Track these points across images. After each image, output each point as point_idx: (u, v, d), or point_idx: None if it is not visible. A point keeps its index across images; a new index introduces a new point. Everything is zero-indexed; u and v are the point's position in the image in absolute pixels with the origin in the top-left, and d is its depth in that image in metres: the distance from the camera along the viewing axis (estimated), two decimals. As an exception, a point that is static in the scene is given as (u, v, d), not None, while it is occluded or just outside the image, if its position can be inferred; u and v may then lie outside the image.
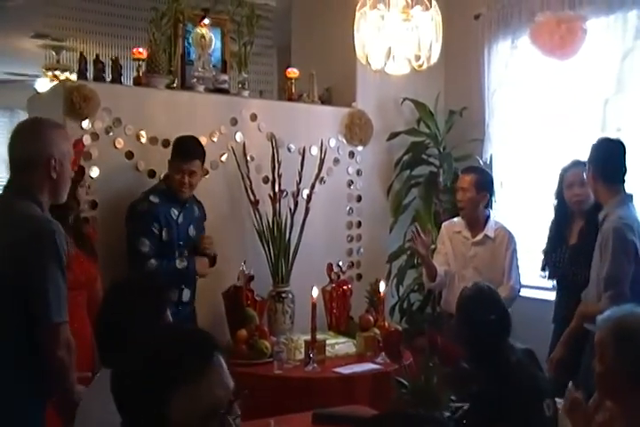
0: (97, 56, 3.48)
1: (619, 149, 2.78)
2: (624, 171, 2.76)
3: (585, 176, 2.89)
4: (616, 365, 1.78)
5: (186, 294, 3.20)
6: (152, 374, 1.14)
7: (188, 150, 3.19)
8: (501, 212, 3.75)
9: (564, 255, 3.03)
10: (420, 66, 2.91)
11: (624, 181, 2.76)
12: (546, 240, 3.17)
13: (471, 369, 2.16)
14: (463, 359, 2.16)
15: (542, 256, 3.16)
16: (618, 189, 2.75)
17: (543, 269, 3.15)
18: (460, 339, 2.22)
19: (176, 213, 3.20)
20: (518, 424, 1.97)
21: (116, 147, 3.35)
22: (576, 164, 3.07)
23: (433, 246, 3.35)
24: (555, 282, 3.16)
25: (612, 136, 3.34)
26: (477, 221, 3.32)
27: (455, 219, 3.47)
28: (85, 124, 3.25)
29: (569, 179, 3.04)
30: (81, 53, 3.55)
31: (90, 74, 3.43)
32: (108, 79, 3.44)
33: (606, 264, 2.64)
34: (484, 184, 3.28)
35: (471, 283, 3.09)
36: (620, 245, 2.61)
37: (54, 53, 5.80)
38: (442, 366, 1.91)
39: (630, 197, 2.78)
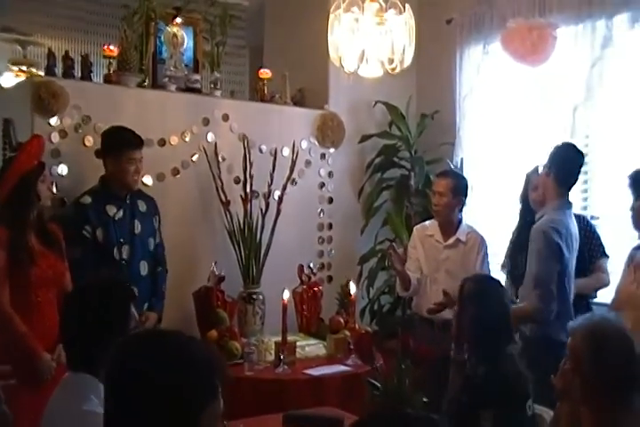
0: (66, 52, 3.41)
1: (580, 158, 2.87)
2: (575, 180, 2.87)
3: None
4: (590, 371, 1.79)
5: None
6: (189, 392, 1.14)
7: (133, 138, 3.11)
8: (471, 215, 3.78)
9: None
10: (394, 69, 2.92)
11: (570, 189, 2.87)
12: (510, 242, 3.22)
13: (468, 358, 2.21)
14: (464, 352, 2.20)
15: (507, 257, 3.21)
16: (563, 194, 2.84)
17: (506, 270, 3.21)
18: (465, 329, 2.25)
19: (114, 209, 3.09)
20: (500, 415, 1.99)
21: (85, 144, 3.29)
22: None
23: (400, 250, 3.36)
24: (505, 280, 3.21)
25: (581, 144, 3.42)
26: (451, 224, 3.33)
27: (427, 222, 3.48)
28: (54, 120, 3.20)
29: (534, 182, 3.09)
30: (49, 49, 3.49)
31: (59, 70, 3.37)
32: (78, 76, 3.38)
33: (533, 265, 2.77)
34: (460, 189, 3.29)
35: (442, 286, 3.16)
36: (546, 246, 2.72)
37: (20, 48, 5.68)
38: (414, 367, 1.92)
39: (570, 204, 2.90)
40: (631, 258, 2.68)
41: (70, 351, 1.82)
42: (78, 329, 1.76)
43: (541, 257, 2.74)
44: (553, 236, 2.72)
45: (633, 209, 2.63)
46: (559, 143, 2.93)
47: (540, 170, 3.05)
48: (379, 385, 1.84)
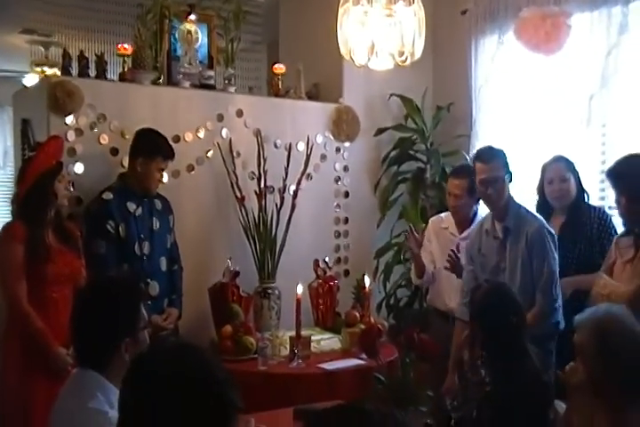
0: (81, 52, 3.46)
1: None
2: None
3: (563, 172, 2.91)
4: (599, 368, 1.77)
5: (153, 288, 3.13)
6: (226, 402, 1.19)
7: (170, 149, 3.19)
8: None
9: None
10: (404, 61, 2.89)
11: None
12: None
13: (485, 369, 2.16)
14: (474, 358, 2.16)
15: None
16: None
17: None
18: (478, 341, 2.21)
19: (134, 206, 3.14)
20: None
21: (100, 143, 3.34)
22: (557, 159, 3.06)
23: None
24: None
25: (598, 133, 3.36)
26: (466, 219, 3.30)
27: (442, 214, 3.46)
28: (69, 119, 3.24)
29: (549, 175, 3.04)
30: (64, 49, 3.53)
31: (74, 69, 3.42)
32: (93, 75, 3.42)
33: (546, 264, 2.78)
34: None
35: (456, 280, 3.14)
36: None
37: (42, 49, 5.77)
38: (420, 362, 1.90)
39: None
40: (616, 244, 2.65)
41: (79, 348, 1.84)
42: (87, 327, 1.78)
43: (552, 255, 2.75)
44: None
45: (618, 203, 2.57)
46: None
47: (556, 164, 3.01)
48: (383, 379, 1.83)
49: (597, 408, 1.86)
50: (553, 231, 2.85)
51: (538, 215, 2.92)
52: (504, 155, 2.94)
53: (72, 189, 3.04)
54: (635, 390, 1.78)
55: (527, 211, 2.95)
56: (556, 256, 2.79)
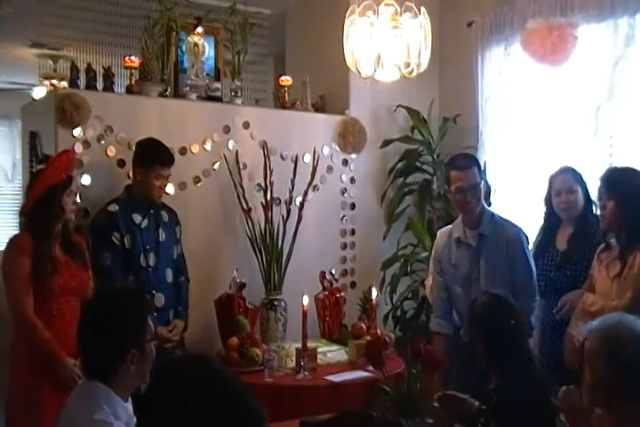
0: (89, 64, 3.49)
1: None
2: None
3: (571, 183, 2.92)
4: (606, 375, 1.77)
5: (159, 299, 3.12)
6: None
7: (167, 156, 3.18)
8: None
9: (554, 260, 3.01)
10: (410, 73, 2.91)
11: None
12: (533, 245, 3.16)
13: (490, 379, 2.15)
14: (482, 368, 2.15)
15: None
16: None
17: None
18: (479, 349, 2.19)
19: (139, 218, 3.15)
20: None
21: (107, 155, 3.35)
22: (564, 170, 3.05)
23: (423, 255, 3.31)
24: None
25: (605, 144, 3.35)
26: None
27: (450, 226, 3.43)
28: (77, 132, 3.26)
29: (557, 186, 3.03)
30: (72, 62, 3.56)
31: (82, 82, 3.44)
32: (100, 87, 3.44)
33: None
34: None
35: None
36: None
37: (51, 62, 5.82)
38: (425, 373, 1.89)
39: None
40: (599, 259, 2.69)
41: (85, 360, 1.84)
42: (94, 338, 1.78)
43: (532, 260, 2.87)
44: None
45: (603, 208, 2.57)
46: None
47: (563, 175, 3.01)
48: (388, 390, 1.82)
49: (603, 414, 1.85)
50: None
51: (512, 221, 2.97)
52: (478, 161, 3.00)
53: (79, 201, 3.05)
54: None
55: (501, 217, 2.99)
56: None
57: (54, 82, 5.92)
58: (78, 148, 3.26)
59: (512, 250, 2.83)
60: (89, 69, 3.44)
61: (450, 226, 3.42)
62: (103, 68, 3.50)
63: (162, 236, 3.21)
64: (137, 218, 3.15)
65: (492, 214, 2.97)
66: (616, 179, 2.58)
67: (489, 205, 3.25)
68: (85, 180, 3.26)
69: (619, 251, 2.57)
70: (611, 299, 2.52)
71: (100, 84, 3.45)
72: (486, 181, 2.92)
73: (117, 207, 3.11)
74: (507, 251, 2.83)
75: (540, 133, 3.70)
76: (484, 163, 3.95)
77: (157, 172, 3.12)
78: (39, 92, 5.96)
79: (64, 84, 5.65)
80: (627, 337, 1.78)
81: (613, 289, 2.52)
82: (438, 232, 3.47)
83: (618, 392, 1.76)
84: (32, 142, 3.48)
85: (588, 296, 2.59)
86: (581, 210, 2.99)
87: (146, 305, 1.92)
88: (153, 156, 3.16)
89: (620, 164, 3.33)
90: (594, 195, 3.09)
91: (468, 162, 2.94)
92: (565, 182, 3.00)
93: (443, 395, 2.06)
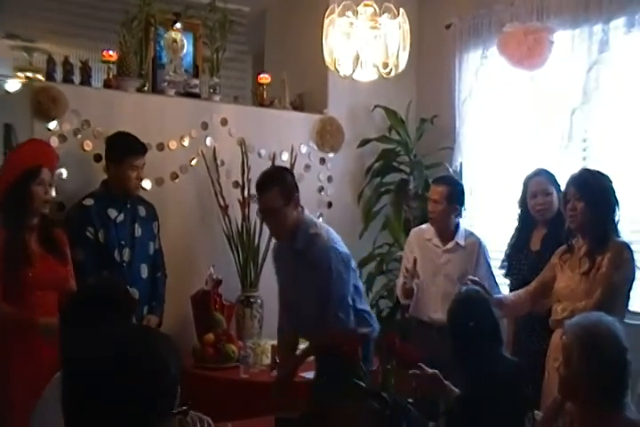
0: (66, 58, 3.45)
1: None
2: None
3: (546, 185, 2.97)
4: (580, 370, 1.81)
5: (133, 295, 3.11)
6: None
7: (137, 145, 3.16)
8: (471, 219, 3.78)
9: (527, 260, 3.06)
10: (388, 73, 2.93)
11: None
12: (508, 245, 3.21)
13: (458, 372, 2.18)
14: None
15: (506, 260, 3.20)
16: None
17: (507, 274, 3.19)
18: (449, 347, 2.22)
19: (115, 212, 3.13)
20: None
21: (84, 149, 3.33)
22: (538, 173, 3.10)
23: (399, 254, 3.35)
24: (508, 283, 3.20)
25: (578, 148, 3.42)
26: (447, 230, 3.31)
27: (424, 226, 3.46)
28: (53, 125, 3.23)
29: (532, 188, 3.07)
30: (49, 55, 3.52)
31: (58, 75, 3.41)
32: (77, 81, 3.41)
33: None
34: (455, 196, 3.27)
35: (441, 290, 3.16)
36: None
37: (26, 55, 5.74)
38: (399, 369, 1.91)
39: None
40: (560, 258, 2.72)
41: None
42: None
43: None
44: None
45: (574, 209, 2.61)
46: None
47: (538, 177, 3.06)
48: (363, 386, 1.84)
49: (575, 410, 1.89)
50: None
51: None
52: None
53: (54, 195, 3.01)
54: (613, 392, 1.81)
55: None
56: None
57: (29, 74, 5.83)
58: (54, 141, 3.23)
59: None
60: (66, 63, 3.41)
61: (423, 226, 3.46)
62: (80, 61, 3.47)
63: (138, 231, 3.19)
64: (112, 213, 3.13)
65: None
66: (587, 180, 2.62)
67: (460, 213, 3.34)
68: (61, 174, 3.23)
69: (587, 250, 2.60)
70: (578, 299, 2.56)
71: (77, 78, 3.42)
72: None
73: (92, 201, 3.09)
74: None
75: (516, 136, 3.75)
76: (460, 164, 4.02)
77: (131, 162, 3.11)
78: (13, 85, 5.87)
79: (39, 76, 5.59)
80: (605, 334, 1.83)
81: (581, 286, 2.56)
82: (412, 231, 3.50)
83: (590, 386, 1.80)
84: (7, 135, 3.44)
85: (557, 305, 2.63)
86: (555, 212, 3.04)
87: (130, 305, 1.91)
88: (124, 147, 3.14)
89: (593, 167, 3.40)
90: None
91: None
92: (541, 185, 3.05)
93: (420, 374, 2.09)
